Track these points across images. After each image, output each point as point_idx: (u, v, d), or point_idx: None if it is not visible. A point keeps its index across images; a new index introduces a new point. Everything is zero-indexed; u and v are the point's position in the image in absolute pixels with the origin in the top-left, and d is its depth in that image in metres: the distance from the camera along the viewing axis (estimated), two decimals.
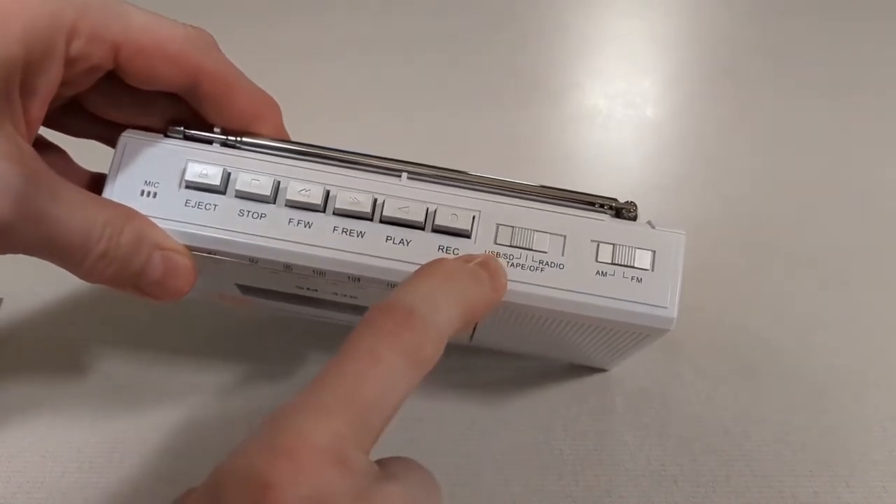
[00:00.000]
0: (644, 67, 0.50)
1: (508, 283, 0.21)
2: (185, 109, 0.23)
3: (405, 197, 0.21)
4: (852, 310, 0.34)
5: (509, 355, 0.31)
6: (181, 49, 0.20)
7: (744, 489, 0.27)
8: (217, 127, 0.22)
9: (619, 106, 0.46)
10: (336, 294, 0.24)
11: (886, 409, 0.30)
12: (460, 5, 0.55)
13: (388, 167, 0.22)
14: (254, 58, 0.22)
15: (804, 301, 0.34)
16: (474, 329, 0.25)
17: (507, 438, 0.29)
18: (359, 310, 0.26)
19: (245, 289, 0.26)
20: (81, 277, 0.20)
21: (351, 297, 0.24)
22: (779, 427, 0.29)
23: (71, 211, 0.19)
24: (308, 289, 0.24)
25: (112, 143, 0.23)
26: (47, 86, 0.19)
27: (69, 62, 0.19)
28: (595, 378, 0.31)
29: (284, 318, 0.33)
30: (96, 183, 0.24)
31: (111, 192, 0.21)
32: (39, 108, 0.19)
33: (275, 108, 0.23)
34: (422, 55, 0.50)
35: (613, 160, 0.42)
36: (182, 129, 0.22)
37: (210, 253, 0.21)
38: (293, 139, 0.23)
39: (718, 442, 0.28)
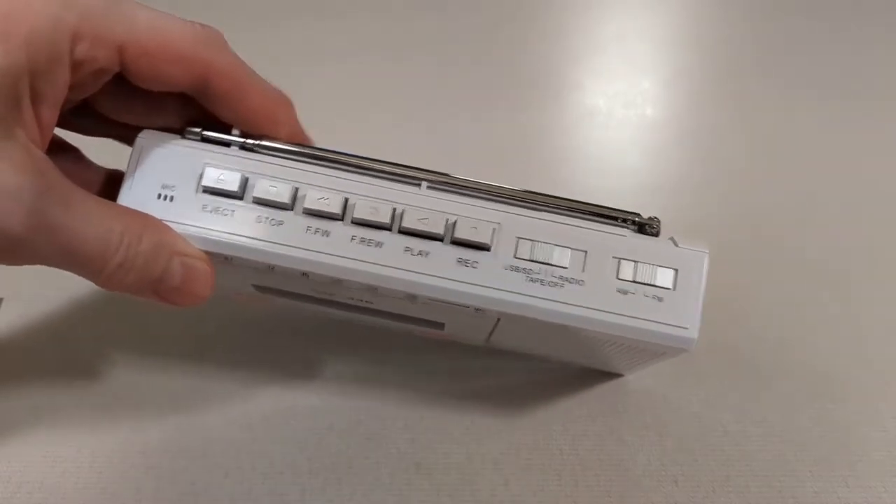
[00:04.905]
0: (644, 68, 0.50)
1: (528, 297, 0.20)
2: (197, 109, 0.22)
3: (425, 207, 0.21)
4: (852, 310, 0.34)
5: (511, 357, 0.31)
6: (188, 48, 0.20)
7: (744, 489, 0.27)
8: (234, 128, 0.22)
9: (619, 106, 0.46)
10: (352, 298, 0.24)
11: (886, 409, 0.30)
12: (460, 6, 0.55)
13: (408, 175, 0.22)
14: (255, 60, 0.22)
15: (804, 301, 0.34)
16: (492, 331, 0.25)
17: (508, 438, 0.29)
18: (375, 312, 0.26)
19: (261, 288, 0.25)
20: (100, 286, 0.20)
21: (367, 301, 0.24)
22: (779, 427, 0.29)
23: (87, 221, 0.18)
24: (324, 292, 0.24)
25: (127, 140, 0.22)
26: (55, 91, 0.19)
27: (75, 66, 0.19)
28: (595, 379, 0.31)
29: (294, 320, 0.33)
30: (112, 181, 0.24)
31: (128, 195, 0.21)
32: (51, 113, 0.19)
33: (288, 106, 0.23)
34: (421, 56, 0.50)
35: (613, 160, 0.42)
36: (199, 130, 0.22)
37: (227, 258, 0.21)
38: (307, 143, 0.23)
39: (718, 442, 0.28)
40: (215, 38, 0.21)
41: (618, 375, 0.31)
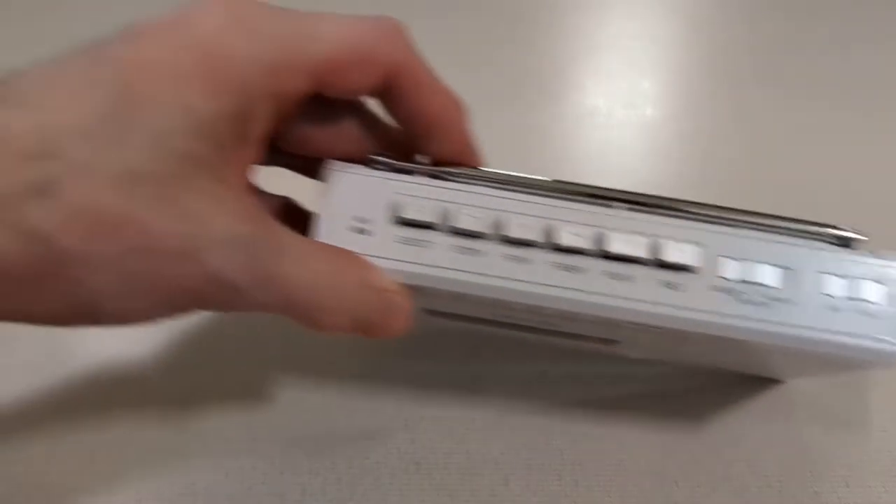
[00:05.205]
0: (644, 68, 0.50)
1: (738, 319, 0.20)
2: (372, 129, 0.22)
3: (626, 230, 0.20)
4: None
5: (515, 356, 0.31)
6: (375, 50, 0.19)
7: (744, 489, 0.27)
8: (421, 156, 0.22)
9: (619, 106, 0.46)
10: (533, 321, 0.23)
11: (887, 409, 0.30)
12: (460, 7, 0.55)
13: (603, 196, 0.21)
14: None
15: None
16: (672, 346, 0.24)
17: (507, 438, 0.29)
18: (552, 333, 0.25)
19: (432, 312, 0.25)
20: (308, 328, 0.19)
21: (549, 323, 0.23)
22: (779, 427, 0.29)
23: (300, 266, 0.18)
24: (508, 316, 0.23)
25: (296, 168, 0.22)
26: (258, 130, 0.18)
27: (274, 99, 0.18)
28: (595, 380, 0.31)
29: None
30: (286, 210, 0.23)
31: (324, 230, 0.20)
32: (254, 152, 0.19)
33: (462, 110, 0.22)
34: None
35: (613, 160, 0.42)
36: (386, 159, 0.21)
37: (420, 289, 0.21)
38: (476, 154, 0.22)
39: (718, 442, 0.28)
40: (398, 32, 0.20)
41: (775, 381, 0.30)
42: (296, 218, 0.23)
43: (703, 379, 0.30)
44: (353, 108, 0.22)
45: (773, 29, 0.53)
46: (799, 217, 0.21)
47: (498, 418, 0.29)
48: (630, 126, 0.45)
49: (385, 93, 0.20)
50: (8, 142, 0.15)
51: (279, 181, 0.23)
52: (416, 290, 0.21)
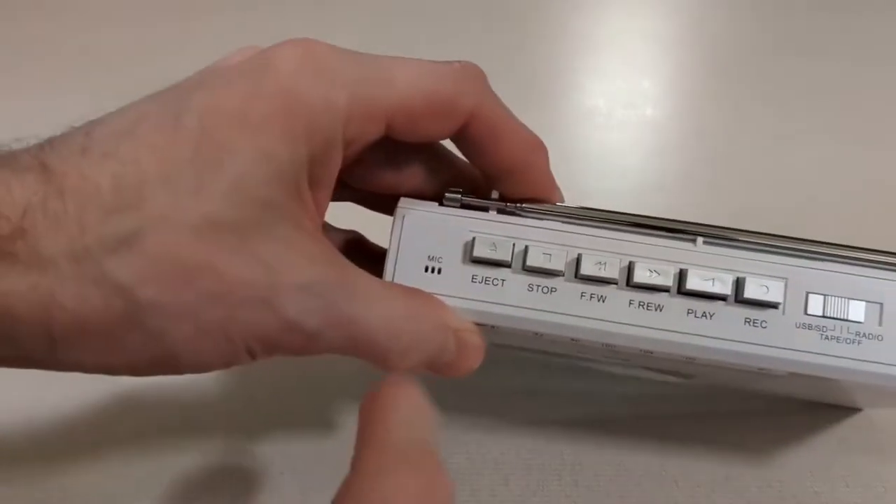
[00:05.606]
0: (644, 67, 0.50)
1: (825, 357, 0.19)
2: (443, 166, 0.22)
3: (707, 265, 0.20)
4: None
5: (516, 361, 0.31)
6: (450, 99, 0.19)
7: (744, 489, 0.27)
8: (494, 192, 0.21)
9: (619, 106, 0.46)
10: (606, 357, 0.23)
11: (886, 409, 0.30)
12: (459, 6, 0.55)
13: (682, 231, 0.21)
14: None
15: None
16: (693, 375, 0.24)
17: (508, 439, 0.29)
18: (624, 366, 0.25)
19: (498, 346, 0.24)
20: (380, 369, 0.19)
21: (624, 357, 0.23)
22: (779, 427, 0.29)
23: (375, 309, 0.18)
24: (577, 350, 0.23)
25: (363, 202, 0.22)
26: (331, 174, 0.18)
27: (346, 145, 0.18)
28: (597, 382, 0.31)
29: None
30: (353, 243, 0.24)
31: (397, 269, 0.20)
32: (325, 198, 0.19)
33: (542, 151, 0.22)
34: (420, 56, 0.50)
35: (614, 160, 0.42)
36: (459, 195, 0.21)
37: (493, 327, 0.20)
38: (557, 194, 0.22)
39: (718, 442, 0.28)
40: (475, 78, 0.20)
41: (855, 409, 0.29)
42: (363, 251, 0.23)
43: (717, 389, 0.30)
44: (425, 147, 0.22)
45: (773, 28, 0.53)
46: (887, 249, 0.20)
47: (498, 419, 0.29)
48: (630, 126, 0.45)
49: (461, 138, 0.20)
50: (91, 196, 0.15)
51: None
52: (488, 328, 0.20)
